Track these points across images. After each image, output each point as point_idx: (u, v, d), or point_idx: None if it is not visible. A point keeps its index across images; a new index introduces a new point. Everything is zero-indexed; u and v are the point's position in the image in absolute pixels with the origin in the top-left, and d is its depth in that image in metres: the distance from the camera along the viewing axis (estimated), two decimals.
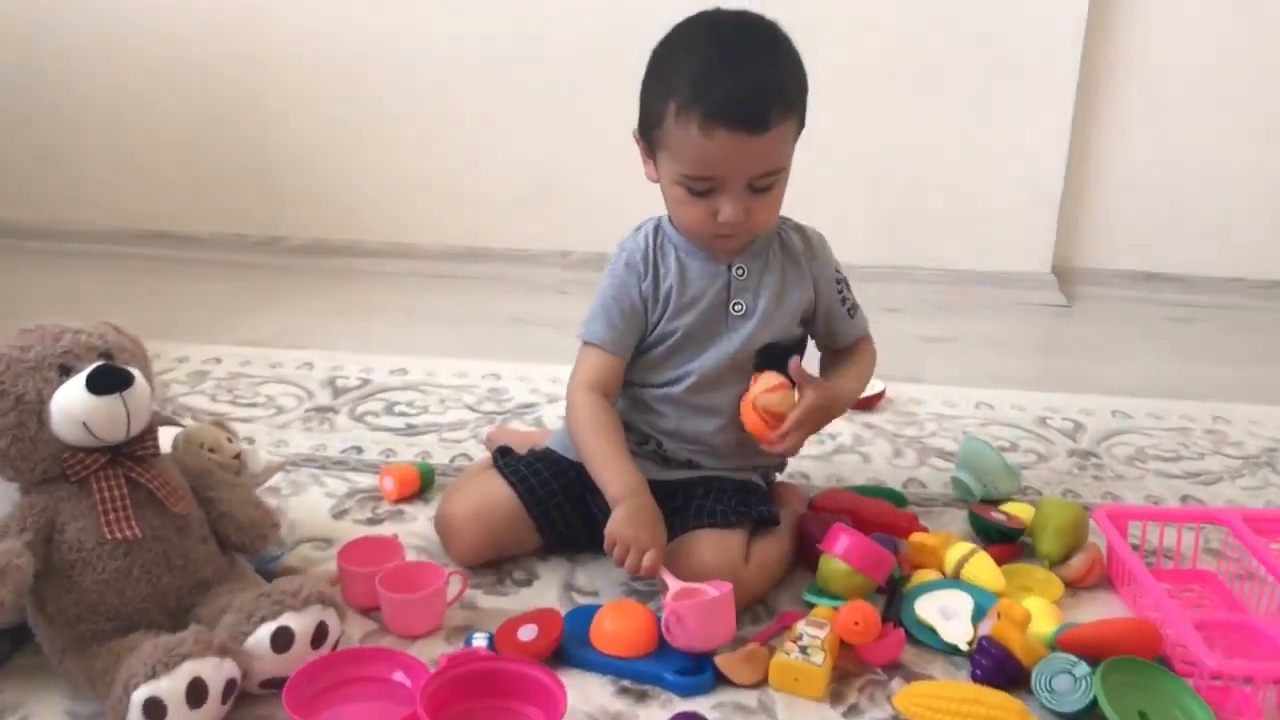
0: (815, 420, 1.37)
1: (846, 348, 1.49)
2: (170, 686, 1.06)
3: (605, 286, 1.42)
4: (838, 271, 1.47)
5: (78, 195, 2.91)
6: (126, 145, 2.86)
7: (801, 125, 1.33)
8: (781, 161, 1.31)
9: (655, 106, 1.30)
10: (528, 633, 1.24)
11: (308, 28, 2.72)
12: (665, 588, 1.26)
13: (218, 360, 2.13)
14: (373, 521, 1.55)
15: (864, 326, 1.50)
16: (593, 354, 1.41)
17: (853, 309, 1.48)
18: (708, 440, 1.43)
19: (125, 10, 2.74)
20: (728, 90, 1.24)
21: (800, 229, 1.45)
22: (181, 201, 2.88)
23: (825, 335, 1.48)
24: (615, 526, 1.28)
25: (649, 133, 1.33)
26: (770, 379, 1.37)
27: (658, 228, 1.42)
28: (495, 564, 1.44)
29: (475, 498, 1.43)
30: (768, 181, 1.30)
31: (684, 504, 1.40)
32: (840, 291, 1.46)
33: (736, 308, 1.40)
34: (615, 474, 1.33)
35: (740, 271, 1.39)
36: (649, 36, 1.35)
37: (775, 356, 1.40)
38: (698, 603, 1.22)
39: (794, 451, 1.39)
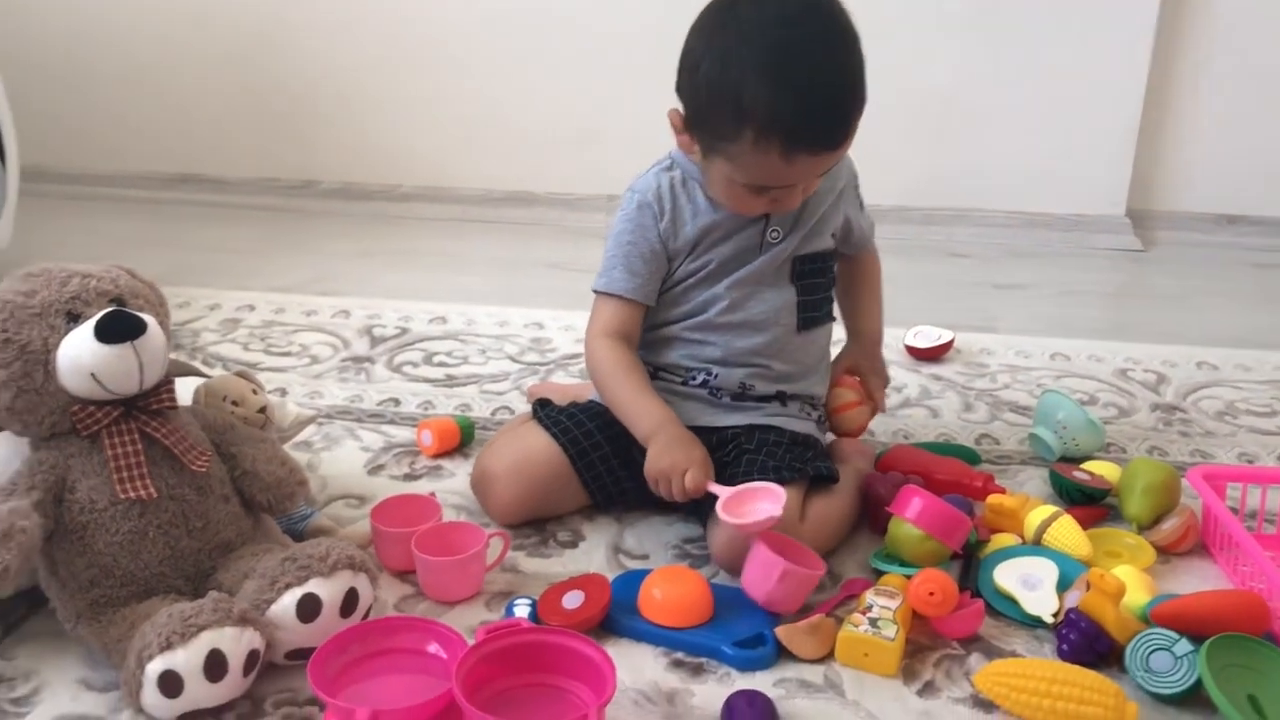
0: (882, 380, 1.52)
1: (856, 256, 1.47)
2: (186, 659, 0.98)
3: (620, 232, 1.34)
4: (854, 172, 1.42)
5: (108, 139, 2.87)
6: (157, 88, 2.82)
7: None
8: (847, 150, 1.26)
9: (722, 123, 1.19)
10: (573, 600, 1.16)
11: None
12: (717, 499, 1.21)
13: (251, 307, 2.05)
14: (410, 478, 1.48)
15: (870, 220, 1.47)
16: (610, 303, 1.35)
17: (861, 203, 1.44)
18: (760, 359, 1.35)
19: None
20: (812, 116, 1.16)
21: None
22: (213, 145, 2.84)
23: (847, 240, 1.43)
24: (651, 463, 1.25)
25: (707, 139, 1.23)
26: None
27: (673, 164, 1.34)
28: (538, 524, 1.36)
29: (514, 451, 1.35)
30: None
31: (735, 457, 1.32)
32: (858, 191, 1.42)
33: (773, 234, 1.33)
34: (642, 411, 1.29)
35: None
36: None
37: (812, 268, 1.36)
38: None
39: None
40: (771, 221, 1.32)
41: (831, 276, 1.41)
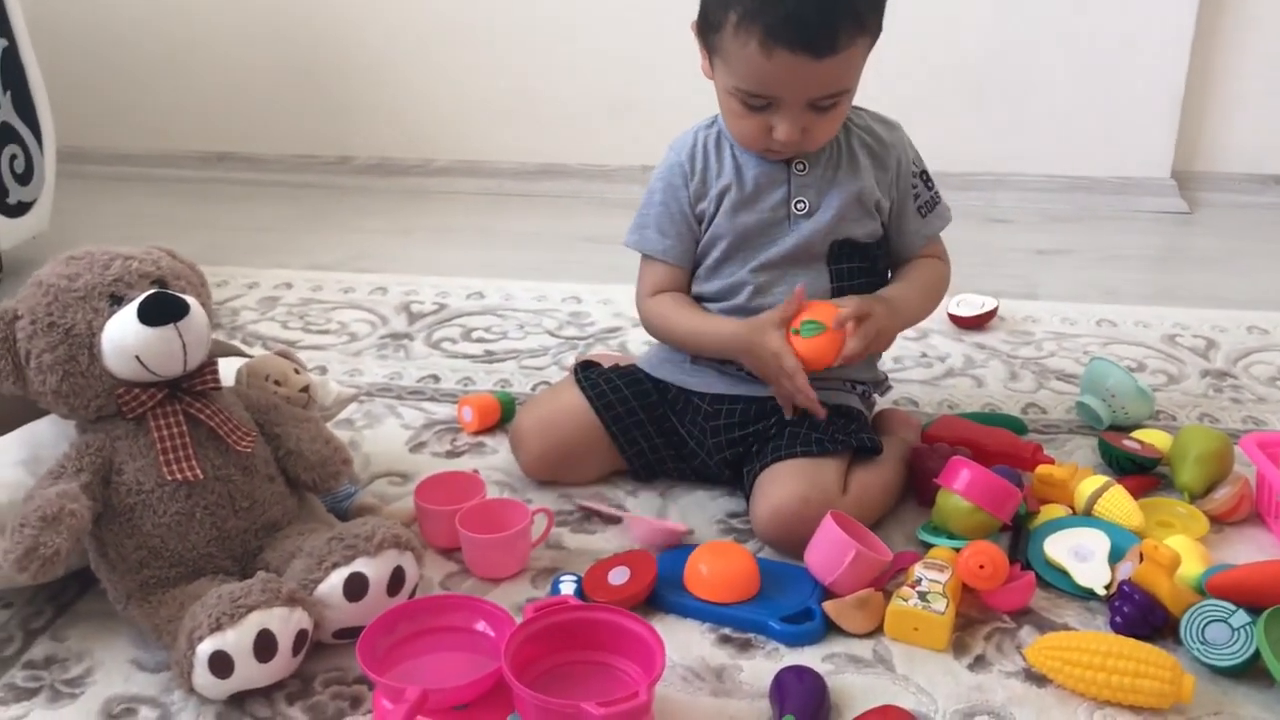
0: (869, 322, 1.23)
1: (909, 258, 1.36)
2: (236, 639, 0.99)
3: (653, 190, 1.35)
4: (915, 164, 1.35)
5: (143, 119, 2.88)
6: (193, 68, 2.82)
7: (876, 39, 1.21)
8: (847, 83, 1.22)
9: (715, 11, 1.19)
10: (619, 576, 1.16)
11: None
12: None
13: (289, 285, 2.06)
14: (452, 454, 1.47)
15: (936, 228, 1.36)
16: (650, 265, 1.36)
17: (925, 207, 1.35)
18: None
19: None
20: (793, 7, 1.14)
21: (879, 119, 1.34)
22: (250, 123, 2.84)
23: (893, 237, 1.35)
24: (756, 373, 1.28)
25: (707, 36, 1.23)
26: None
27: (713, 122, 1.34)
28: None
29: (545, 407, 1.38)
30: (830, 102, 1.21)
31: (778, 430, 1.30)
32: (915, 187, 1.34)
33: (799, 206, 1.30)
34: (711, 332, 1.30)
35: (801, 167, 1.29)
36: None
37: (851, 254, 1.31)
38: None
39: (853, 357, 1.23)
40: (795, 190, 1.29)
41: (878, 273, 1.34)
